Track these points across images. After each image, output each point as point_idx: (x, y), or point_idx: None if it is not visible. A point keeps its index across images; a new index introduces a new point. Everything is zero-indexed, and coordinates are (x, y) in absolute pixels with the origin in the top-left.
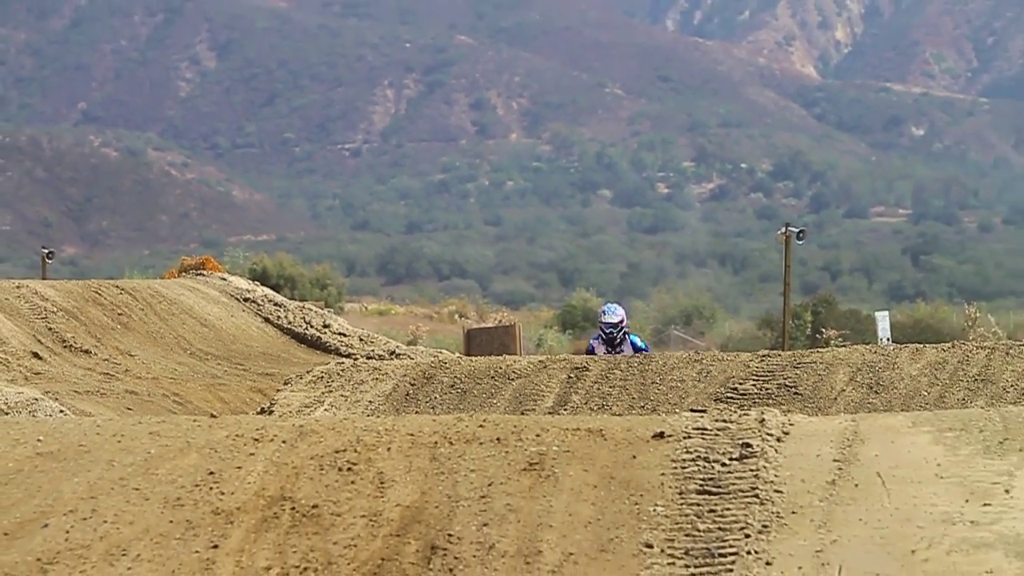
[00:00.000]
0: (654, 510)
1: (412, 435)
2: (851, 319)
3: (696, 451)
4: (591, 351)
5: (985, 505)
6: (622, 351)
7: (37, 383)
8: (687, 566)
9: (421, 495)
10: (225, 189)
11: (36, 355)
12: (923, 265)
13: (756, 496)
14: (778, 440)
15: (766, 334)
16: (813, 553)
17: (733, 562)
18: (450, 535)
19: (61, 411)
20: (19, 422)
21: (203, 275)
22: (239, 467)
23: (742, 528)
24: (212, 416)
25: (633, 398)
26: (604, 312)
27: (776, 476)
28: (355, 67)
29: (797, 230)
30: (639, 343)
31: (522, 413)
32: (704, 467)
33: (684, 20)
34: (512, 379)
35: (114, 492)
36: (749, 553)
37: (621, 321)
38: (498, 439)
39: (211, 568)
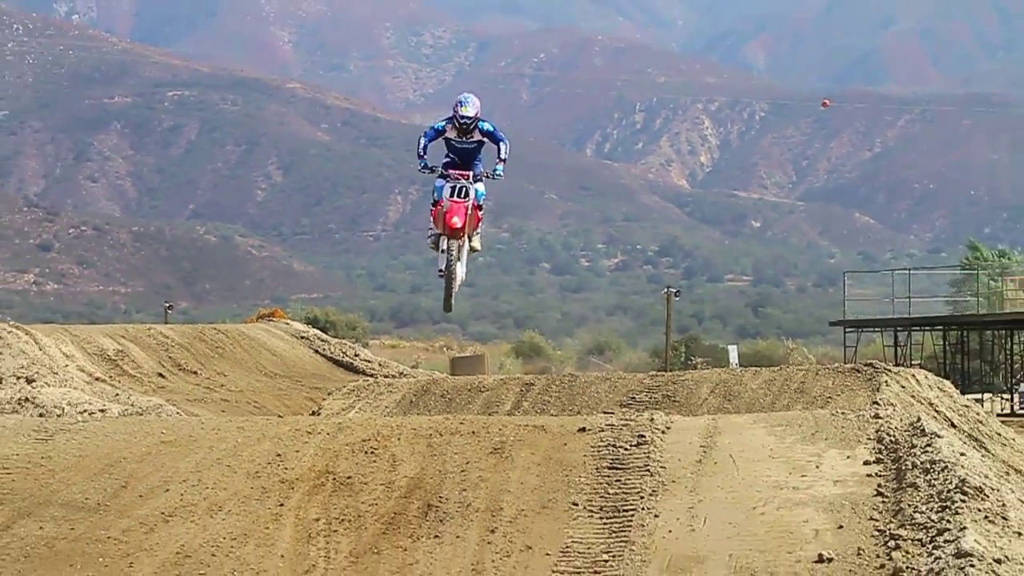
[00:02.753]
0: (579, 480)
1: (415, 429)
2: (711, 351)
3: (607, 440)
4: (440, 130)
5: (803, 476)
6: (472, 138)
7: (161, 394)
8: (601, 519)
9: (421, 470)
10: (288, 263)
11: (160, 375)
12: (760, 314)
13: (648, 471)
14: (663, 433)
15: (654, 360)
16: (687, 509)
17: (632, 515)
18: (440, 497)
19: (177, 413)
20: (149, 420)
21: (273, 321)
22: (297, 451)
23: (639, 492)
24: (279, 417)
25: (564, 404)
26: (461, 103)
27: (661, 457)
28: (375, 180)
29: (675, 290)
30: (487, 126)
31: (489, 415)
32: (613, 451)
33: (598, 148)
34: (482, 392)
35: (213, 468)
36: (643, 509)
37: (476, 114)
38: (473, 432)
39: (278, 519)
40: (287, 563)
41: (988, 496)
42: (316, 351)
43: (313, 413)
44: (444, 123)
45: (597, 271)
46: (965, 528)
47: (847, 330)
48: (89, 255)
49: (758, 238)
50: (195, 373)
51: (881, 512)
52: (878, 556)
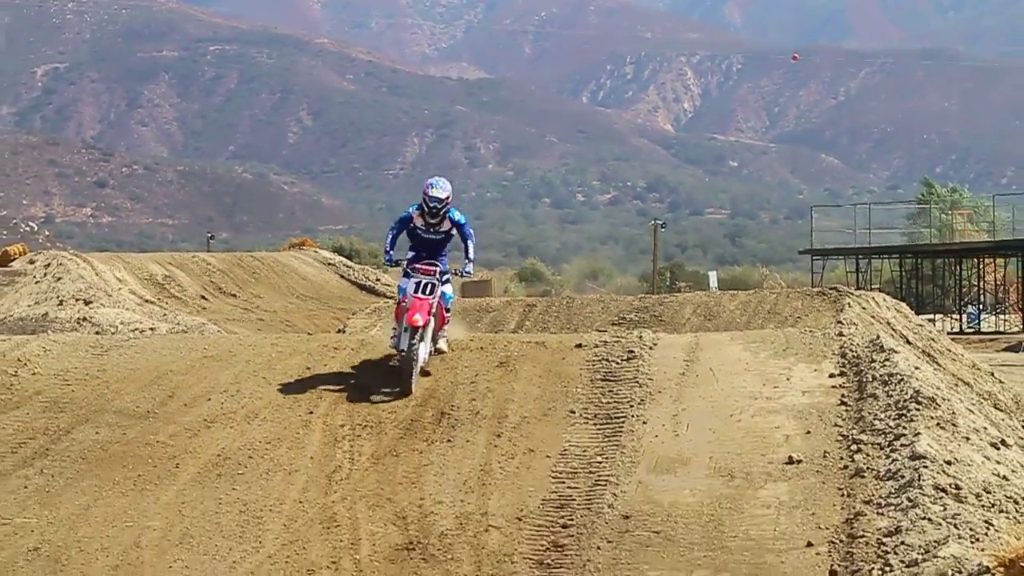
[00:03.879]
0: (576, 391)
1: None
2: (693, 276)
3: (601, 355)
4: (407, 219)
5: (775, 387)
6: (442, 228)
7: (204, 314)
8: (595, 425)
9: (435, 381)
10: (317, 198)
11: (203, 297)
12: (736, 244)
13: (637, 382)
14: (650, 348)
15: (643, 285)
16: (671, 416)
17: (623, 422)
18: (452, 406)
19: (218, 331)
20: (193, 337)
21: (303, 249)
22: (325, 364)
23: (629, 402)
24: (309, 334)
25: (562, 323)
26: (432, 185)
27: (649, 370)
28: (395, 124)
29: (661, 223)
30: (458, 217)
31: (495, 332)
32: (605, 365)
33: (593, 96)
34: (489, 312)
35: (250, 379)
36: (633, 417)
37: (447, 198)
38: (481, 347)
39: (308, 424)
40: (316, 463)
41: (940, 405)
42: (342, 276)
43: (339, 331)
44: (412, 210)
45: (592, 205)
46: (919, 434)
47: (814, 258)
48: (140, 191)
49: (735, 176)
50: (234, 295)
51: (844, 419)
52: (842, 458)
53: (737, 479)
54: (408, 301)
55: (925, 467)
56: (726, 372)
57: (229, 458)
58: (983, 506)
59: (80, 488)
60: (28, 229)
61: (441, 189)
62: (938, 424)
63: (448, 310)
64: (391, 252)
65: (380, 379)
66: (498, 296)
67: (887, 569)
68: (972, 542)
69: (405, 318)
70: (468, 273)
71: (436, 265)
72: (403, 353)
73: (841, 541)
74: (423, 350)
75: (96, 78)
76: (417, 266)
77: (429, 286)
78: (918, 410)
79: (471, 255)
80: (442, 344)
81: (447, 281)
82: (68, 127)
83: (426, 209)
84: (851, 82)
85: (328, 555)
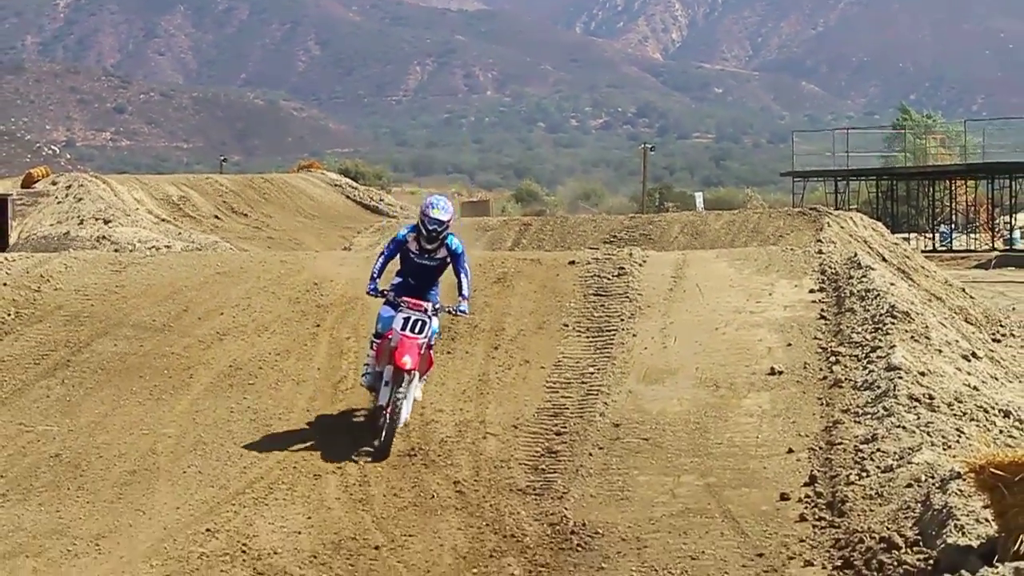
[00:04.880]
0: (569, 305)
1: None
2: (681, 197)
3: (593, 271)
4: (401, 242)
5: (757, 302)
6: (437, 255)
7: (217, 233)
8: (588, 338)
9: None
10: (324, 123)
11: (216, 217)
12: (721, 166)
13: (627, 297)
14: (640, 265)
15: (633, 205)
16: (659, 330)
17: (614, 335)
18: (451, 320)
19: (230, 249)
20: (207, 254)
21: (311, 171)
22: (331, 280)
23: (619, 316)
24: (316, 251)
25: (556, 241)
26: (433, 205)
27: (638, 285)
28: (398, 54)
29: (650, 146)
30: (455, 245)
31: (493, 250)
32: (597, 281)
33: (585, 27)
34: (487, 231)
35: (260, 294)
36: (623, 330)
37: (449, 220)
38: (479, 265)
39: (315, 337)
40: (322, 374)
41: (914, 319)
42: (347, 197)
43: (345, 249)
44: (407, 232)
45: (584, 130)
46: (894, 346)
47: (795, 180)
48: (156, 116)
49: (720, 103)
50: (245, 215)
51: (824, 332)
52: (821, 369)
53: (722, 389)
54: (395, 338)
55: (900, 378)
56: (711, 288)
57: (240, 369)
58: (955, 415)
59: (99, 398)
60: (51, 152)
61: (443, 211)
62: (912, 337)
63: (432, 347)
64: (377, 279)
65: None
66: (495, 216)
67: (863, 474)
68: (944, 449)
69: (391, 359)
70: (464, 312)
71: (427, 301)
72: (383, 409)
73: (820, 448)
74: (407, 407)
75: (115, 9)
76: (407, 298)
77: (420, 323)
78: (893, 324)
79: (467, 291)
80: (418, 392)
81: (436, 314)
82: (89, 56)
83: (423, 232)
84: (830, 13)
85: (333, 460)
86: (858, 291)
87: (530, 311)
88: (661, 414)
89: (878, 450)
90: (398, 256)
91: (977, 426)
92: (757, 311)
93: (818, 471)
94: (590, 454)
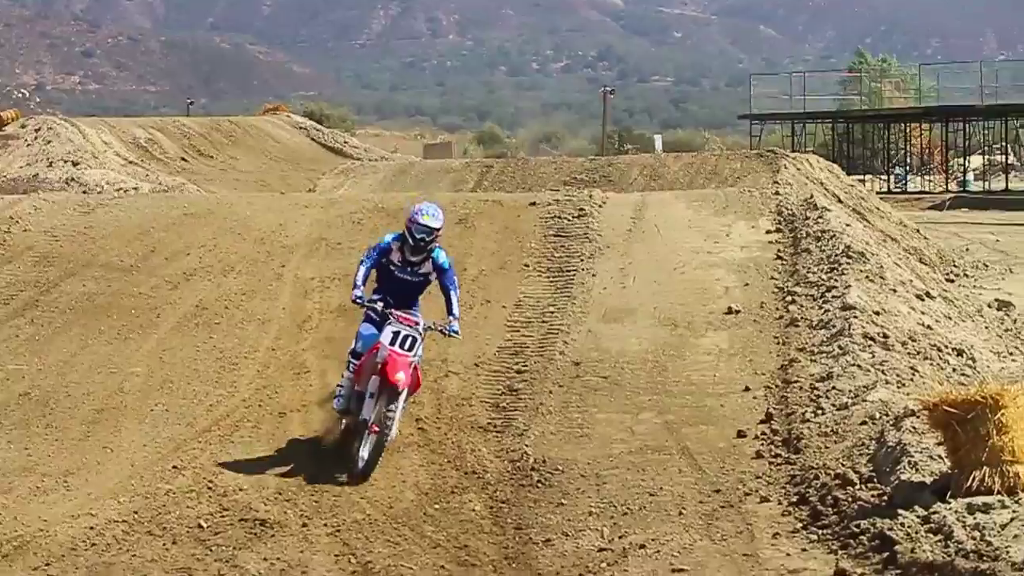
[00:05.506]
0: (530, 246)
1: (395, 204)
2: (640, 139)
3: (553, 212)
4: (384, 250)
5: (715, 243)
6: (422, 269)
7: (184, 175)
8: (548, 278)
9: None
10: (289, 66)
11: (183, 159)
12: (680, 109)
13: (587, 238)
14: (600, 207)
15: (593, 147)
16: (619, 270)
17: (574, 275)
18: None
19: (197, 190)
20: (174, 196)
21: (277, 114)
22: (296, 221)
23: (579, 256)
24: (281, 193)
25: (518, 183)
26: (422, 211)
27: (598, 226)
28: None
29: (610, 89)
30: (443, 260)
31: (456, 191)
32: (558, 222)
33: None
34: (450, 172)
35: (227, 235)
36: (583, 270)
37: (440, 229)
38: (442, 206)
39: (280, 277)
40: (287, 314)
41: (869, 259)
42: (312, 139)
43: (309, 190)
44: (390, 240)
45: (546, 73)
46: (850, 286)
47: (752, 123)
48: (125, 60)
49: (679, 46)
50: (212, 157)
51: (780, 272)
52: (778, 308)
53: (680, 328)
54: (381, 354)
55: (855, 317)
56: (670, 228)
57: (207, 309)
58: (909, 353)
59: (68, 337)
60: (20, 96)
61: (433, 218)
62: (867, 277)
63: (417, 367)
64: (361, 287)
65: (347, 234)
66: (458, 158)
67: (819, 412)
68: (898, 387)
69: (381, 374)
70: (455, 333)
71: (416, 315)
72: (361, 421)
73: (776, 386)
74: (395, 430)
75: None
76: (396, 312)
77: (410, 340)
78: (849, 264)
79: (456, 310)
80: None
81: (423, 333)
82: (58, 1)
83: (410, 242)
84: None
85: (299, 399)
86: (814, 232)
87: (491, 252)
88: (620, 353)
89: (833, 388)
90: (377, 269)
91: (931, 364)
92: (715, 251)
93: (774, 409)
94: (550, 392)
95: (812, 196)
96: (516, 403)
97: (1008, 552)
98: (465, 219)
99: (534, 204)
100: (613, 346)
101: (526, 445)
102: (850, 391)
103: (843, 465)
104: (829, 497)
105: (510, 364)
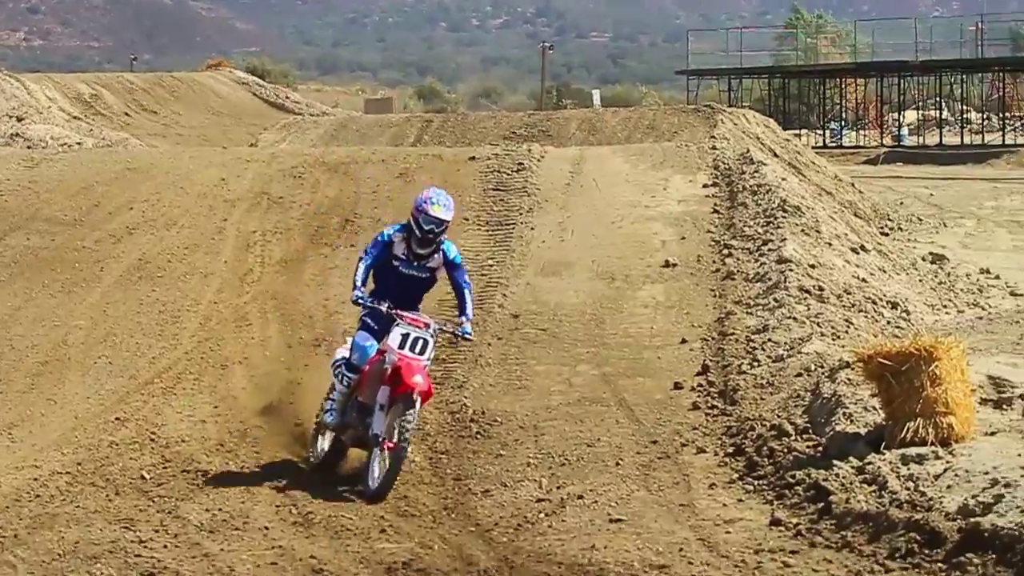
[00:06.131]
0: (469, 200)
1: (336, 159)
2: (578, 94)
3: (493, 167)
4: (387, 243)
5: (652, 197)
6: (429, 263)
7: (127, 130)
8: (487, 231)
9: (339, 191)
10: (232, 23)
11: (127, 114)
12: (618, 64)
13: (526, 192)
14: (539, 161)
15: (532, 102)
16: (557, 223)
17: (513, 228)
18: (355, 213)
19: (141, 145)
20: (118, 151)
21: (219, 70)
22: (238, 175)
23: (518, 210)
24: (223, 148)
25: (457, 137)
26: (431, 200)
27: (537, 180)
28: None
29: (549, 45)
30: (454, 254)
31: (396, 146)
32: (497, 176)
33: None
34: (390, 127)
35: (169, 190)
36: (522, 224)
37: (450, 220)
38: (382, 160)
39: (222, 231)
40: (229, 267)
41: (804, 213)
42: (254, 94)
43: (251, 145)
44: (392, 232)
45: (485, 29)
46: (785, 239)
47: (689, 78)
48: (69, 16)
49: (617, 2)
50: (155, 112)
51: (717, 226)
52: (714, 262)
53: (617, 281)
54: (389, 359)
55: (791, 270)
56: (608, 183)
57: (150, 262)
58: (844, 306)
59: (12, 290)
60: None
61: (445, 208)
62: (803, 230)
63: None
64: (362, 287)
65: (289, 188)
66: (398, 113)
67: (755, 364)
68: (833, 339)
69: (391, 382)
70: (468, 335)
71: (424, 317)
72: (372, 436)
73: (713, 338)
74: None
75: None
76: (402, 312)
77: (422, 342)
78: (784, 217)
79: (470, 311)
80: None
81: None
82: None
83: (417, 233)
84: None
85: (241, 351)
86: (750, 186)
87: None
88: (558, 306)
89: (769, 340)
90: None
91: (865, 317)
92: (652, 205)
93: (711, 361)
94: (489, 344)
95: (748, 151)
96: (455, 355)
97: (941, 502)
98: (405, 173)
99: (473, 158)
100: (551, 299)
101: (465, 397)
102: (786, 343)
103: (779, 416)
104: (765, 448)
105: (450, 317)
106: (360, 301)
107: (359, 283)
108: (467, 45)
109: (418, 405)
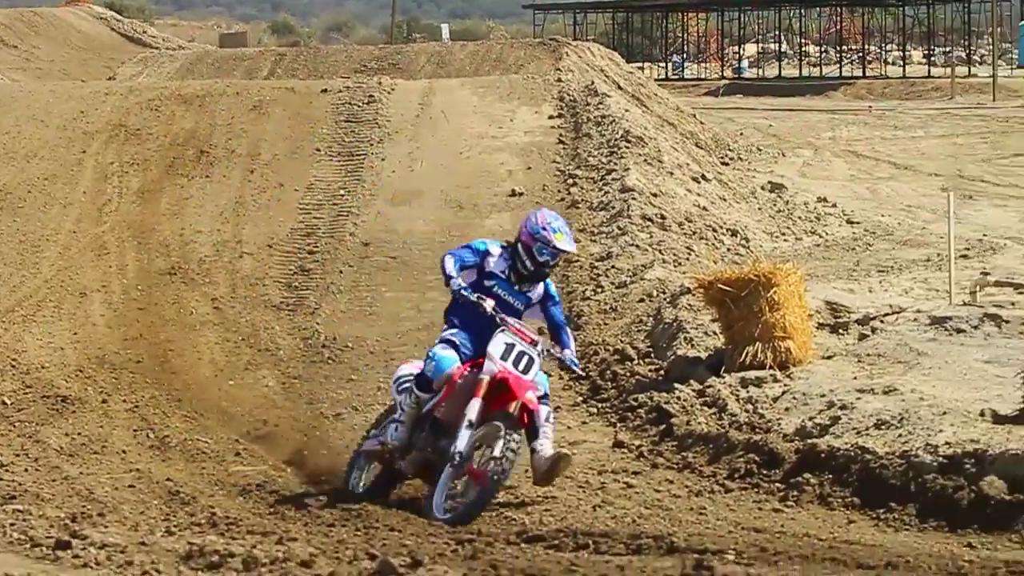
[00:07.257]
0: (321, 131)
1: (191, 92)
2: (428, 28)
3: (344, 99)
4: (481, 253)
5: (500, 128)
6: (532, 293)
7: None
8: (339, 162)
9: (195, 123)
10: None
11: None
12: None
13: (376, 123)
14: (389, 93)
15: (382, 36)
16: (407, 154)
17: (363, 159)
18: (211, 145)
19: (1, 79)
20: None
21: (79, 5)
22: (97, 108)
23: (368, 141)
24: (82, 81)
25: (310, 71)
26: (552, 228)
27: (387, 112)
28: None
29: None
30: (554, 288)
31: (250, 79)
32: (348, 108)
33: None
34: (244, 60)
35: (30, 123)
36: (372, 155)
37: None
38: (237, 93)
39: (81, 162)
40: (88, 198)
41: (647, 143)
42: (113, 29)
43: (110, 79)
44: (493, 245)
45: None
46: (628, 169)
47: (536, 12)
48: None
49: None
50: (15, 47)
51: (562, 156)
52: (559, 191)
53: (466, 210)
54: (488, 368)
55: (634, 199)
56: (456, 114)
57: (10, 193)
58: (685, 234)
59: None
60: None
61: (568, 238)
62: (645, 160)
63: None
64: (458, 275)
65: (146, 121)
66: (252, 47)
67: (599, 290)
68: (675, 266)
69: (487, 397)
70: (576, 364)
71: (531, 331)
72: (453, 455)
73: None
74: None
75: None
76: (509, 320)
77: (526, 359)
78: (628, 148)
79: (573, 346)
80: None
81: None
82: None
83: (528, 264)
84: None
85: (99, 279)
86: (595, 117)
87: (284, 137)
88: (408, 234)
89: (613, 267)
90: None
91: (706, 244)
92: (499, 136)
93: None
94: (341, 272)
95: (593, 83)
96: (308, 282)
97: (779, 424)
98: (259, 105)
99: (325, 91)
100: (401, 227)
101: (317, 323)
102: (629, 270)
103: (622, 341)
104: (608, 372)
105: (302, 245)
106: (464, 292)
107: (455, 273)
108: None
109: (519, 433)
